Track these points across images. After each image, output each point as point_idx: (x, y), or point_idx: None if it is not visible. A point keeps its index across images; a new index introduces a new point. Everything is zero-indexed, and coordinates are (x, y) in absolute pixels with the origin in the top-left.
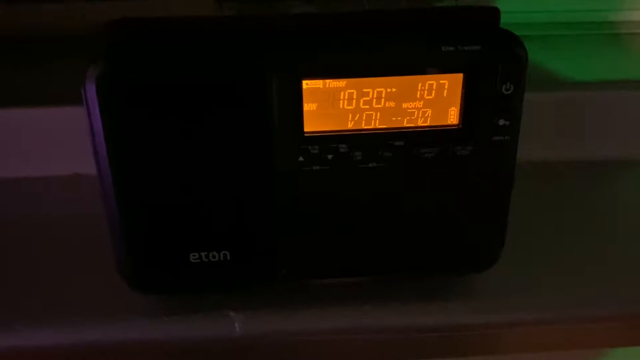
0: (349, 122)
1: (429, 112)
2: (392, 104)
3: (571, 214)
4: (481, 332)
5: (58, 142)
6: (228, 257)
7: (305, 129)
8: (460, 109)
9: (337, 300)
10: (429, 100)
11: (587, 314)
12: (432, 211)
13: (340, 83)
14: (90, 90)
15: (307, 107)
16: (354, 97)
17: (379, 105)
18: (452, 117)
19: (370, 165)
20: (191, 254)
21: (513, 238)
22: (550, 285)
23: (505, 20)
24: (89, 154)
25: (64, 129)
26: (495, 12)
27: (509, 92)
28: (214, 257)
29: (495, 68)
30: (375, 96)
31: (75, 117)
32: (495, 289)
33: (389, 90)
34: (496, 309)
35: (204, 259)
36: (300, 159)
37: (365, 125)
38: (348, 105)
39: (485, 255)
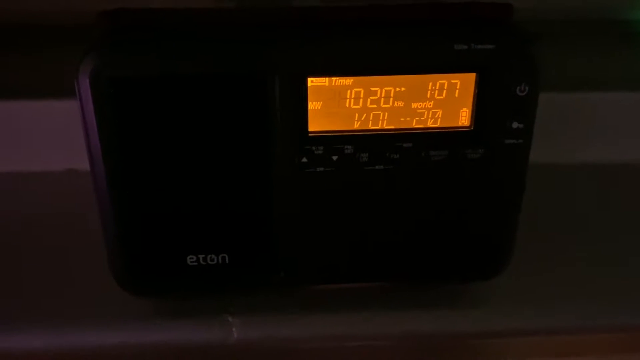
0: (356, 122)
1: (440, 113)
2: (400, 103)
3: (578, 220)
4: (483, 342)
5: (52, 136)
6: (226, 260)
7: (310, 129)
8: (472, 110)
9: (337, 305)
10: (440, 101)
11: (593, 325)
12: (440, 216)
13: (347, 81)
14: (84, 84)
15: (312, 105)
16: (361, 95)
17: (387, 105)
18: (464, 118)
19: (376, 167)
20: (188, 257)
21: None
22: (555, 294)
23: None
24: (83, 149)
25: (58, 123)
26: (508, 9)
27: (524, 93)
28: (212, 260)
29: (510, 68)
30: (383, 95)
31: (70, 111)
32: (499, 298)
33: (397, 89)
34: (499, 318)
35: (201, 261)
36: (304, 159)
37: (372, 125)
38: (355, 104)
39: (492, 263)
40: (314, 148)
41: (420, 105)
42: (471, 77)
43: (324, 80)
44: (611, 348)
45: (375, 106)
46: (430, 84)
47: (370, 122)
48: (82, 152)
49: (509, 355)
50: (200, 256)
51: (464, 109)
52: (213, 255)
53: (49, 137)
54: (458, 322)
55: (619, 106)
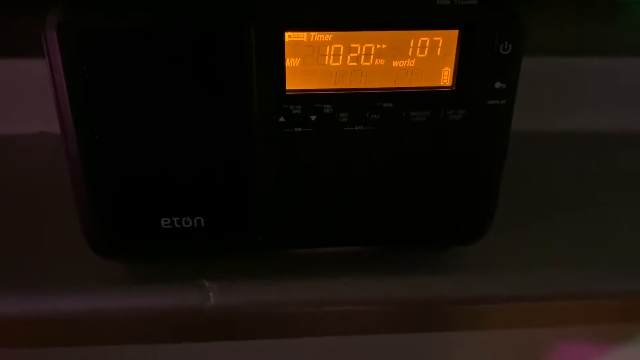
0: (335, 81)
1: (421, 72)
2: (381, 61)
3: (564, 187)
4: (464, 307)
5: (23, 97)
6: (202, 224)
7: (287, 87)
8: (455, 69)
9: (315, 271)
10: (422, 59)
11: (573, 291)
12: (420, 179)
13: (326, 36)
14: (51, 38)
15: (290, 62)
16: (341, 52)
17: (368, 63)
18: (446, 78)
19: (356, 128)
20: (162, 219)
21: (500, 210)
22: (537, 260)
23: None
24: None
25: (29, 84)
26: None
27: (507, 52)
28: (187, 222)
29: (494, 25)
30: (363, 52)
31: (42, 70)
32: (480, 263)
33: (378, 46)
34: (479, 283)
35: (176, 224)
36: (281, 119)
37: (352, 84)
38: (334, 61)
39: (473, 228)
40: (292, 107)
41: (401, 63)
42: (454, 35)
43: (302, 35)
44: (591, 314)
45: (355, 64)
46: (412, 41)
47: (350, 80)
48: (54, 114)
49: (490, 320)
50: (175, 219)
51: (446, 68)
52: (188, 218)
53: (20, 99)
54: (438, 287)
55: (601, 73)
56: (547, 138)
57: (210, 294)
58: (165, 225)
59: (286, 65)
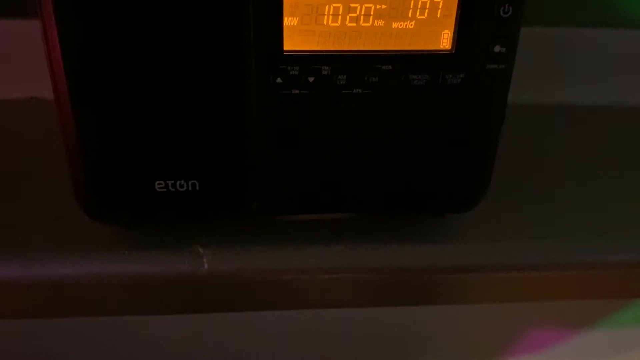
0: (333, 42)
1: (421, 34)
2: (381, 22)
3: (560, 158)
4: (460, 276)
5: (12, 61)
6: (197, 187)
7: (285, 47)
8: (454, 32)
9: (311, 237)
10: (421, 21)
11: (572, 261)
12: (417, 145)
13: None
14: None
15: (288, 21)
16: (340, 12)
17: (367, 24)
18: (445, 41)
19: (354, 90)
20: (156, 183)
21: (497, 179)
22: (531, 229)
23: None
24: (47, 76)
25: (19, 46)
26: None
27: (508, 15)
28: (181, 186)
29: None
30: (363, 12)
31: (32, 32)
32: (476, 231)
33: (378, 6)
34: (476, 252)
35: (170, 188)
36: (278, 80)
37: (350, 46)
38: (333, 22)
39: (469, 195)
40: (289, 68)
41: (401, 25)
42: None
43: None
44: (587, 285)
45: (354, 24)
46: (412, 2)
47: (349, 42)
48: (45, 80)
49: (486, 289)
50: (169, 182)
51: (446, 31)
52: (182, 182)
53: (9, 63)
54: (433, 255)
55: (599, 44)
56: (541, 109)
57: (204, 260)
58: (159, 188)
59: (284, 24)
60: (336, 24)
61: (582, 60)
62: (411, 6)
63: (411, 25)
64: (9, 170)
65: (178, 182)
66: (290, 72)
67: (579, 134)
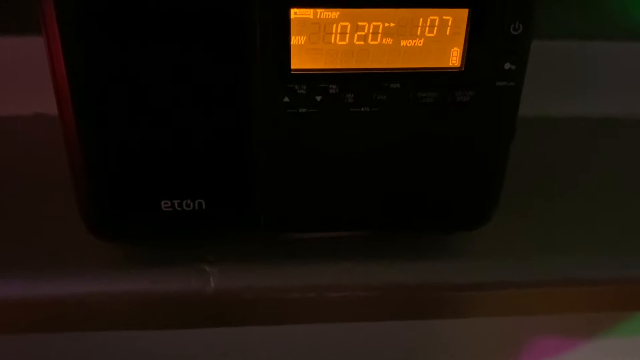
0: (341, 60)
1: (430, 51)
2: (389, 40)
3: (570, 173)
4: (466, 294)
5: (18, 78)
6: (203, 206)
7: (292, 66)
8: (464, 49)
9: (318, 255)
10: (430, 39)
11: (579, 277)
12: (425, 162)
13: (333, 14)
14: (48, 9)
15: (295, 40)
16: (348, 31)
17: (375, 42)
18: (454, 58)
19: (362, 109)
20: (163, 202)
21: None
22: (538, 246)
23: None
24: (52, 92)
25: (25, 63)
26: None
27: (518, 32)
28: (187, 205)
29: (504, 4)
30: (371, 31)
31: (38, 48)
32: (484, 249)
33: (386, 24)
34: (483, 269)
35: (176, 207)
36: (286, 99)
37: (358, 64)
38: (341, 40)
39: (478, 213)
40: (296, 87)
41: (409, 43)
42: (464, 13)
43: (308, 12)
44: (593, 301)
45: (362, 43)
46: (421, 19)
47: (357, 60)
48: (50, 96)
49: (492, 307)
50: (176, 201)
51: (455, 49)
52: (189, 201)
53: (16, 79)
54: (441, 273)
55: (609, 57)
56: (552, 123)
57: (211, 279)
58: (165, 207)
59: (291, 43)
60: (344, 43)
61: (591, 72)
62: (420, 24)
63: (420, 42)
64: (14, 187)
65: (184, 202)
66: (298, 91)
67: (589, 146)
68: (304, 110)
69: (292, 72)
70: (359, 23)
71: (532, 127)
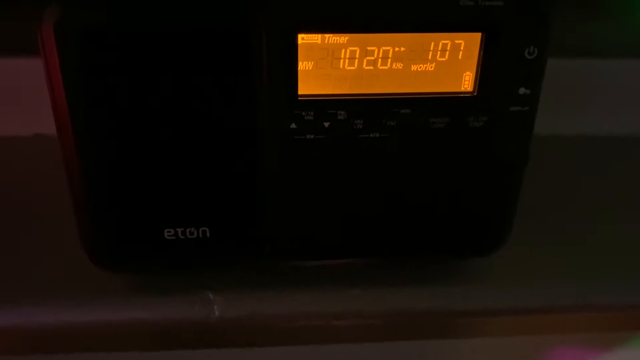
0: (350, 85)
1: (441, 76)
2: (399, 65)
3: (583, 195)
4: (478, 320)
5: (17, 98)
6: (207, 235)
7: (300, 92)
8: (477, 73)
9: (325, 281)
10: (442, 63)
11: (590, 303)
12: (437, 188)
13: (342, 39)
14: (48, 38)
15: (302, 65)
16: (357, 56)
17: (385, 67)
18: (467, 83)
19: (371, 135)
20: (166, 230)
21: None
22: (552, 271)
23: None
24: (51, 113)
25: (24, 84)
26: None
27: (533, 56)
28: (191, 233)
29: (519, 28)
30: (380, 56)
31: (37, 70)
32: (494, 274)
33: (396, 49)
34: (495, 295)
35: (180, 235)
36: (293, 125)
37: (367, 89)
38: (349, 65)
39: (491, 238)
40: (303, 113)
41: (420, 67)
42: (476, 37)
43: (316, 38)
44: (606, 326)
45: (371, 67)
46: (432, 44)
47: (366, 85)
48: (50, 117)
49: (504, 333)
50: (179, 230)
51: (468, 73)
52: (193, 229)
53: (15, 100)
54: (452, 299)
55: (622, 75)
56: (563, 142)
57: (215, 307)
58: (168, 236)
59: (299, 69)
60: (353, 68)
61: (605, 90)
62: (431, 48)
63: (431, 67)
64: (14, 213)
65: (188, 230)
66: (305, 117)
67: (604, 167)
68: (312, 136)
69: (299, 98)
70: (368, 48)
71: (545, 146)
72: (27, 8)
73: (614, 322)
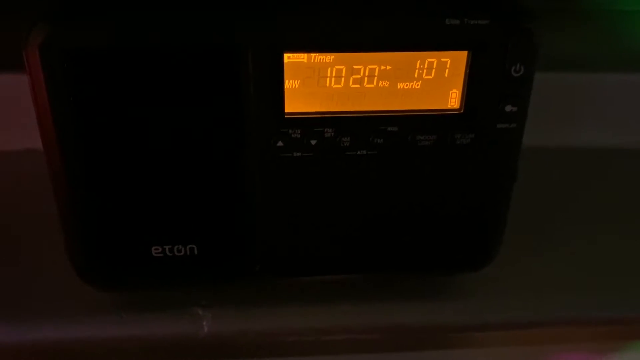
0: (336, 103)
1: (428, 94)
2: (386, 83)
3: (570, 208)
4: (467, 335)
5: (8, 113)
6: (195, 252)
7: (286, 110)
8: (463, 91)
9: (315, 297)
10: (428, 81)
11: (580, 317)
12: (426, 205)
13: (328, 57)
14: (33, 56)
15: (289, 84)
16: (343, 74)
17: (371, 85)
18: (453, 100)
19: (359, 152)
20: (153, 247)
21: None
22: (542, 285)
23: None
24: None
25: (15, 98)
26: None
27: (519, 74)
28: (179, 251)
29: (505, 46)
30: (367, 74)
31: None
32: (485, 289)
33: (382, 67)
34: (486, 310)
35: (167, 253)
36: (280, 143)
37: (354, 107)
38: (336, 83)
39: (481, 254)
40: (290, 131)
41: (406, 85)
42: (463, 56)
43: (302, 57)
44: (595, 338)
45: (358, 86)
46: (419, 62)
47: (353, 103)
48: None
49: (496, 347)
50: (167, 247)
51: (454, 90)
52: (180, 247)
53: (5, 114)
54: (443, 314)
55: (611, 88)
56: (553, 154)
57: (204, 323)
58: (156, 253)
59: (285, 87)
60: (339, 86)
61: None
62: (417, 66)
63: (417, 85)
64: (4, 229)
65: (176, 247)
66: (292, 135)
67: (594, 179)
68: (299, 154)
69: (285, 116)
70: (355, 66)
71: (535, 159)
72: (17, 22)
73: (603, 334)
